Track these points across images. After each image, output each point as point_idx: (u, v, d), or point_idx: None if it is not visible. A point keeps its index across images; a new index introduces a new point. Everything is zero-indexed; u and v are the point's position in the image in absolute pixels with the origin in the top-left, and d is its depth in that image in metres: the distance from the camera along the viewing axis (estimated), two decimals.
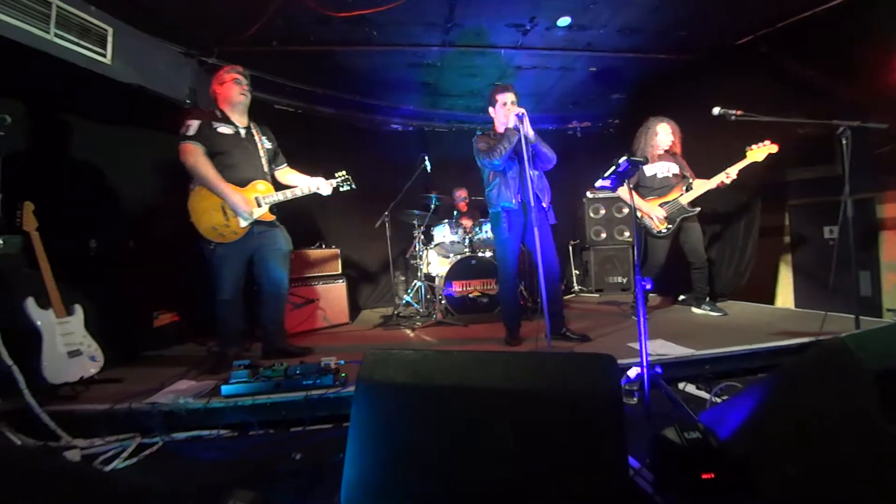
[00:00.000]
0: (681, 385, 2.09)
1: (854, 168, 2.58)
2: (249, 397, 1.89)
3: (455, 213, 4.53)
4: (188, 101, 3.42)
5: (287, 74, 4.16)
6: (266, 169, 2.73)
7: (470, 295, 3.76)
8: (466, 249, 3.96)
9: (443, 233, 4.22)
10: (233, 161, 2.53)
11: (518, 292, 3.06)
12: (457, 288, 3.74)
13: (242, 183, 2.56)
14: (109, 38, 2.87)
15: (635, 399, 1.86)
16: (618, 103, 5.19)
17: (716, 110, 2.52)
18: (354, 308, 4.34)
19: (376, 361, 1.06)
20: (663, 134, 3.41)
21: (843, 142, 2.21)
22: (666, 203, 3.34)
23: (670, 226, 3.33)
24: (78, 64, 2.69)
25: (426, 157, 3.85)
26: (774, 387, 1.06)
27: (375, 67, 4.09)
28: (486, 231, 4.14)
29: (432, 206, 3.80)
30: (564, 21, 3.41)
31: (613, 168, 1.93)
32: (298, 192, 2.77)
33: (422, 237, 4.14)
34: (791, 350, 2.32)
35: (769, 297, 4.14)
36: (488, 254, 3.91)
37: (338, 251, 3.99)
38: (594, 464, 0.89)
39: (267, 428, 1.87)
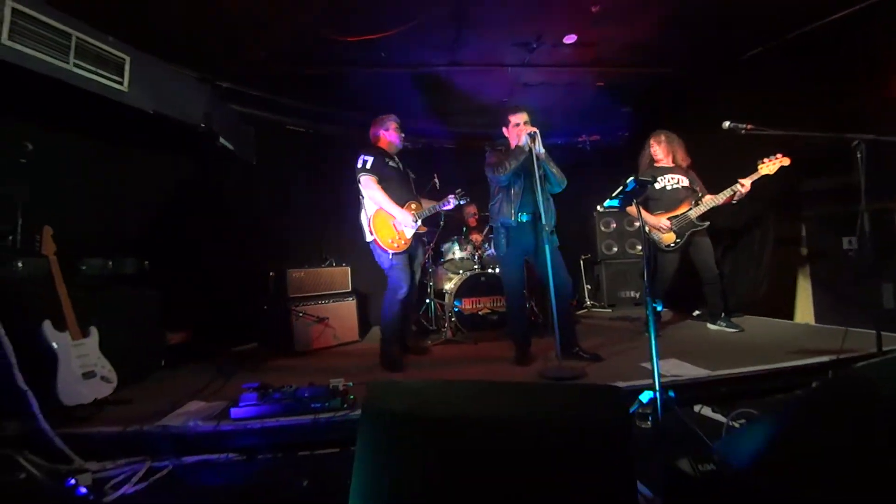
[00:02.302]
0: (696, 407, 2.03)
1: (871, 178, 2.52)
2: (258, 420, 1.89)
3: (464, 228, 4.53)
4: (202, 125, 3.51)
5: (298, 95, 4.25)
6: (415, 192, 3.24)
7: (479, 312, 3.74)
8: (476, 266, 3.95)
9: (452, 249, 4.22)
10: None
11: (526, 309, 3.04)
12: (466, 305, 3.72)
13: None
14: (126, 67, 2.97)
15: (648, 423, 1.82)
16: (626, 116, 5.18)
17: (726, 124, 2.48)
18: (364, 325, 4.34)
19: (380, 391, 1.05)
20: (653, 146, 3.44)
21: (859, 155, 2.16)
22: (674, 217, 3.30)
23: (679, 240, 3.28)
24: (96, 92, 2.78)
25: (435, 175, 3.87)
26: (791, 417, 1.03)
27: (383, 86, 4.16)
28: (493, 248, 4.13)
29: (441, 223, 3.81)
30: (571, 38, 3.44)
31: (621, 189, 1.92)
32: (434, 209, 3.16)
33: (431, 254, 4.14)
34: (810, 370, 2.25)
35: (788, 312, 4.02)
36: (498, 270, 3.89)
37: (348, 269, 4.01)
38: (601, 499, 0.86)
39: (275, 451, 1.86)
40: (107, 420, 2.10)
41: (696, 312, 4.03)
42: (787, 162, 2.93)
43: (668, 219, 3.30)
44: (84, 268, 2.82)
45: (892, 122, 2.25)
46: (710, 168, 3.53)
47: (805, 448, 0.96)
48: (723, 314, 3.41)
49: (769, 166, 2.96)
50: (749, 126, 2.47)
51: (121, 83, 2.94)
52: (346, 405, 1.90)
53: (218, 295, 3.76)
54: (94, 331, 2.40)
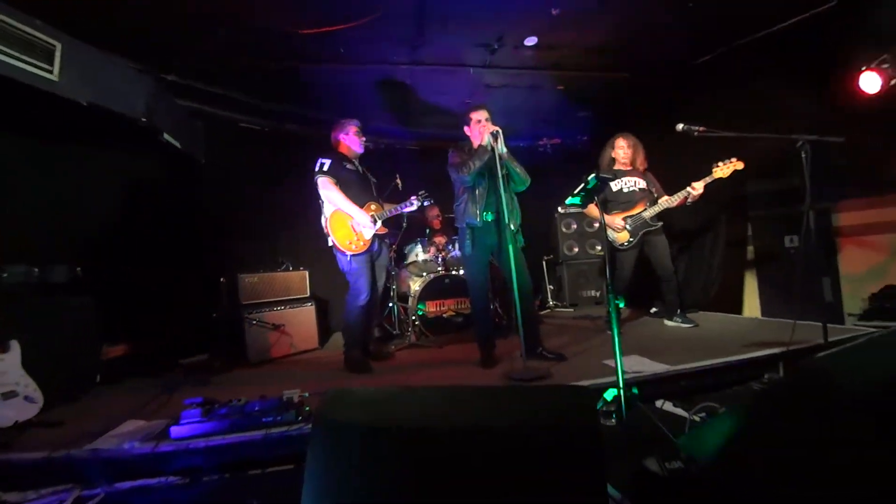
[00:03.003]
0: (658, 403, 2.06)
1: (812, 180, 2.68)
2: (202, 439, 1.73)
3: (428, 230, 4.46)
4: (144, 119, 3.26)
5: (252, 91, 4.05)
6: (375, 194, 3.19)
7: (444, 315, 3.68)
8: (440, 268, 3.89)
9: (415, 251, 4.14)
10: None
11: (490, 310, 3.01)
12: (430, 308, 3.65)
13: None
14: (57, 54, 2.71)
15: (613, 420, 1.81)
16: (586, 121, 5.30)
17: (679, 126, 2.56)
18: (325, 332, 4.17)
19: (335, 401, 0.96)
20: (618, 147, 3.52)
21: (803, 155, 2.27)
22: (629, 217, 3.39)
23: (632, 239, 3.38)
24: (22, 81, 2.51)
25: (397, 176, 3.78)
26: (753, 410, 1.02)
27: (344, 84, 4.03)
28: (458, 249, 4.09)
29: (404, 224, 3.72)
30: (531, 41, 3.46)
31: (583, 185, 1.91)
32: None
33: (394, 256, 4.04)
34: (762, 361, 2.33)
35: (737, 307, 4.23)
36: (462, 272, 3.84)
37: (305, 273, 3.84)
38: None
39: (222, 472, 1.71)
40: (30, 444, 1.87)
41: (654, 309, 4.14)
42: (740, 166, 3.06)
43: (623, 218, 3.40)
44: (5, 275, 2.53)
45: (833, 124, 2.37)
46: (669, 170, 3.65)
47: (768, 442, 0.96)
48: (678, 311, 3.52)
49: (723, 170, 3.07)
50: (701, 128, 2.56)
51: (51, 72, 2.68)
52: (301, 418, 1.77)
53: (163, 303, 3.50)
54: (14, 345, 2.15)
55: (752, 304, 4.25)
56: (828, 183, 3.36)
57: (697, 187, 3.14)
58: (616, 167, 3.55)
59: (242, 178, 4.25)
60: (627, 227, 3.37)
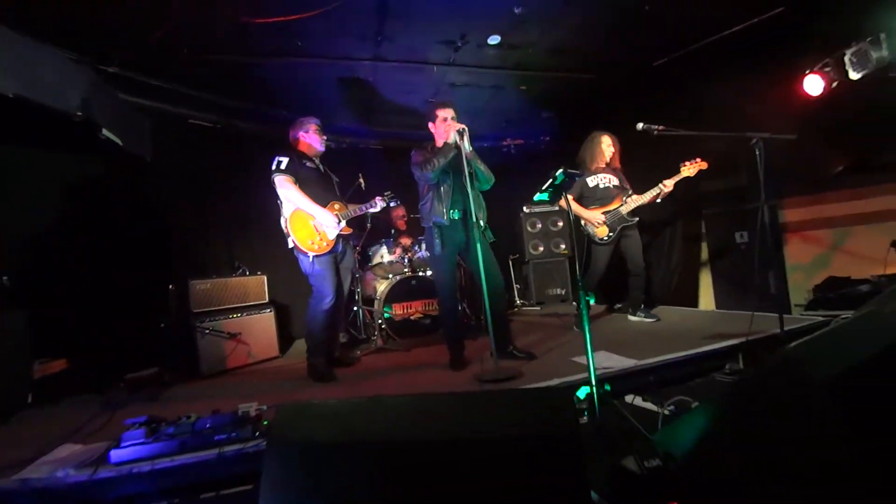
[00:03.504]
0: (628, 398, 2.07)
1: (755, 179, 2.80)
2: (147, 462, 1.57)
3: (393, 231, 4.36)
4: (79, 114, 2.98)
5: (202, 86, 3.82)
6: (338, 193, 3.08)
7: (411, 317, 3.59)
8: (406, 269, 3.80)
9: (381, 253, 4.03)
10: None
11: (459, 311, 2.96)
12: (397, 311, 3.55)
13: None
14: None
15: (585, 418, 1.79)
16: (548, 122, 5.36)
17: (639, 126, 2.62)
18: (286, 339, 3.99)
19: (290, 416, 0.87)
20: (605, 145, 3.54)
21: (757, 152, 2.36)
22: (607, 212, 3.44)
23: (611, 234, 3.43)
24: None
25: (361, 176, 3.67)
26: (727, 406, 1.02)
27: (303, 81, 3.87)
28: (426, 249, 4.02)
29: (368, 225, 3.61)
30: (495, 39, 3.44)
31: (551, 181, 1.89)
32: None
33: (358, 258, 3.91)
34: (723, 353, 2.41)
35: (693, 301, 4.40)
36: (429, 273, 3.77)
37: (263, 278, 3.65)
38: None
39: (171, 497, 1.56)
40: None
41: (618, 305, 4.23)
42: (705, 166, 3.19)
43: (602, 213, 3.44)
44: None
45: (780, 125, 2.48)
46: (628, 169, 3.74)
47: (744, 438, 0.95)
48: (642, 305, 3.60)
49: (690, 169, 3.20)
50: (661, 127, 2.62)
51: None
52: (258, 433, 1.63)
53: (106, 314, 3.22)
54: None
55: (707, 298, 4.44)
56: (774, 181, 3.56)
57: (668, 185, 3.26)
58: (598, 164, 3.58)
59: (193, 179, 3.99)
60: (607, 221, 3.42)
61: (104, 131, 3.11)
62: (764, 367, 0.97)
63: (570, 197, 2.06)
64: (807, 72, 3.08)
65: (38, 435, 2.05)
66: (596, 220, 3.42)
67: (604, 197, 3.49)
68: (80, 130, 3.05)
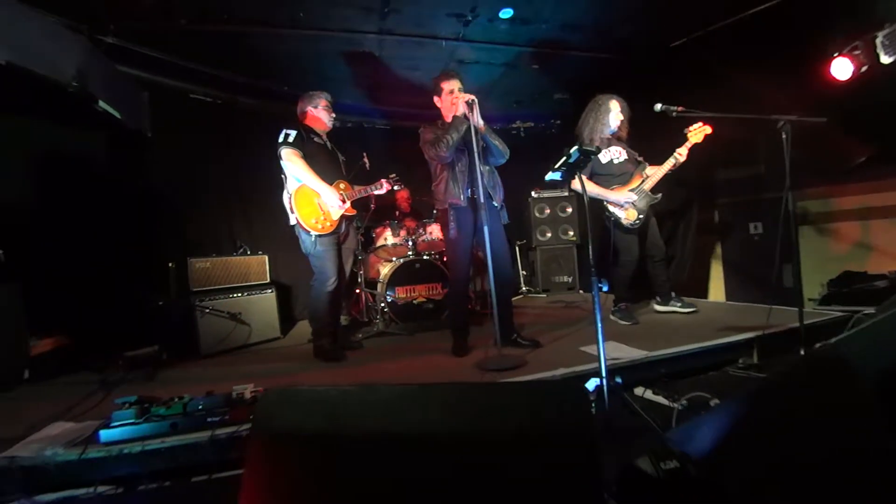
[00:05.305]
0: (637, 391, 1.99)
1: (772, 168, 2.65)
2: (138, 443, 1.51)
3: (397, 213, 4.26)
4: (74, 84, 2.89)
5: (203, 59, 3.70)
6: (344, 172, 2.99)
7: (414, 301, 3.52)
8: (410, 252, 3.71)
9: (384, 235, 3.95)
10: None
11: (468, 298, 2.86)
12: (400, 294, 3.48)
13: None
14: None
15: (593, 410, 1.72)
16: (559, 104, 5.19)
17: (657, 106, 2.49)
18: (288, 320, 3.93)
19: (274, 403, 0.79)
20: (614, 112, 3.10)
21: (784, 136, 2.23)
22: (633, 190, 3.04)
23: (641, 216, 3.04)
24: None
25: (365, 155, 3.56)
26: (758, 403, 0.93)
27: (306, 55, 3.74)
28: (431, 232, 3.92)
29: (372, 206, 3.51)
30: (507, 13, 3.28)
31: (564, 159, 1.77)
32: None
33: (361, 240, 3.83)
34: (739, 346, 2.31)
35: (703, 292, 4.29)
36: (434, 256, 3.68)
37: (265, 258, 3.58)
38: None
39: (161, 480, 1.51)
40: None
41: (657, 299, 4.08)
42: (708, 129, 2.90)
43: (630, 191, 3.02)
44: None
45: (810, 106, 2.33)
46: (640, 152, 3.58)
47: (776, 441, 0.86)
48: (673, 293, 3.29)
49: (696, 134, 2.91)
50: (680, 108, 2.49)
51: None
52: (252, 416, 1.58)
53: (105, 291, 3.17)
54: None
55: (717, 290, 4.32)
56: (793, 170, 3.40)
57: (683, 153, 2.95)
58: (605, 137, 3.11)
59: (195, 155, 3.89)
60: (636, 202, 3.01)
61: (101, 103, 3.02)
62: (800, 363, 0.88)
63: (584, 178, 1.93)
64: (835, 55, 2.90)
65: (31, 412, 2.00)
66: (626, 201, 2.98)
67: (622, 173, 3.08)
68: (77, 101, 2.97)
